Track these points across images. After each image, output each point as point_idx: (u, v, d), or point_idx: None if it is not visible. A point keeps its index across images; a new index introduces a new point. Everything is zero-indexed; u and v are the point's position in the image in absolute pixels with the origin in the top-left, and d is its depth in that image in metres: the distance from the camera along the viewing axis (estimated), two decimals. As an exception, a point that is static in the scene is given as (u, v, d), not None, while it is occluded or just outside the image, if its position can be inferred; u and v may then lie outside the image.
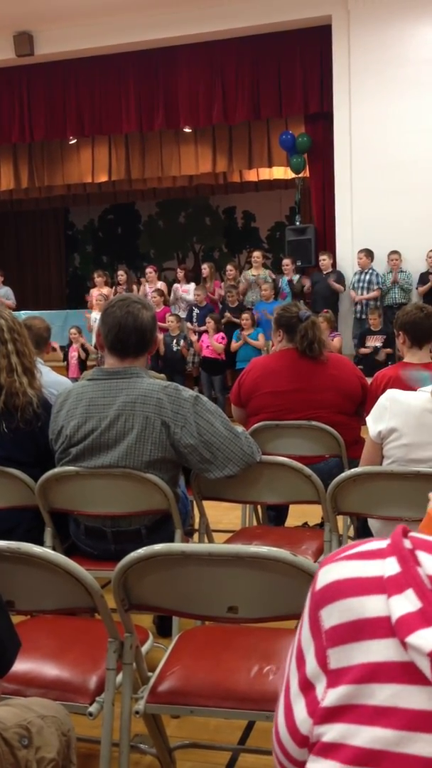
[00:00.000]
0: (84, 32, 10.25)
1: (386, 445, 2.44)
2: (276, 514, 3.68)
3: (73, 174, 12.89)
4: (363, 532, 2.72)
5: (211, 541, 2.83)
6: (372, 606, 0.70)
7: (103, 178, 12.79)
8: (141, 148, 12.23)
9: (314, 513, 3.34)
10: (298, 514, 3.91)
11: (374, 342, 8.74)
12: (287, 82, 10.07)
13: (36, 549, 1.56)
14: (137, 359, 2.51)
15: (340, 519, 2.73)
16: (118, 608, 1.65)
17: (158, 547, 1.56)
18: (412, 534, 0.76)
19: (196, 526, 2.90)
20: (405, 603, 0.68)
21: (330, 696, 0.70)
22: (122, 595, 1.62)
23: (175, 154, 12.21)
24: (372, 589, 0.71)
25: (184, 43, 10.21)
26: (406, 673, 0.67)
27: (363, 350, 8.77)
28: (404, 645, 0.67)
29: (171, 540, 2.52)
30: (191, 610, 1.62)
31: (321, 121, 10.10)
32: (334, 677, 0.70)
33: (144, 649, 1.92)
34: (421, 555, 0.72)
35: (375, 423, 2.47)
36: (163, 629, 2.83)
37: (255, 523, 3.69)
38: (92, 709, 1.67)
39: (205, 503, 2.80)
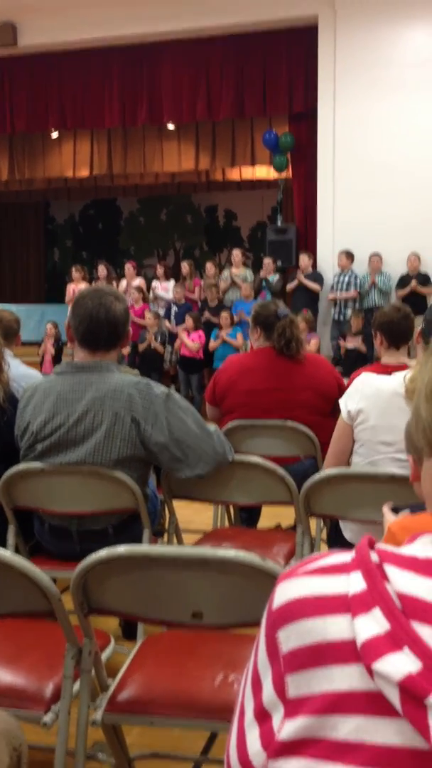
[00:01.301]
0: (69, 24, 10.11)
1: (356, 428, 2.40)
2: (248, 516, 3.61)
3: (55, 168, 12.74)
4: (335, 535, 2.66)
5: (180, 541, 2.75)
6: (335, 627, 0.63)
7: (85, 173, 12.66)
8: (123, 144, 12.11)
9: (287, 514, 3.28)
10: (271, 516, 3.85)
11: (353, 343, 8.71)
12: (272, 81, 10.01)
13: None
14: (108, 353, 2.43)
15: (313, 521, 2.66)
16: (77, 612, 1.57)
17: (121, 549, 1.48)
18: (380, 546, 0.68)
19: (167, 526, 2.82)
20: (371, 624, 0.61)
21: (287, 728, 0.63)
22: (81, 598, 1.54)
23: (158, 150, 12.11)
24: (335, 608, 0.64)
25: (169, 38, 10.11)
26: (372, 703, 0.59)
27: (343, 344, 8.73)
28: (370, 672, 0.59)
29: (139, 540, 2.44)
30: (154, 615, 1.54)
31: (305, 120, 10.06)
32: (293, 707, 0.63)
33: (105, 654, 1.84)
34: (390, 569, 0.64)
35: (346, 403, 2.44)
36: (130, 632, 2.75)
37: (227, 523, 3.61)
38: (47, 718, 1.58)
39: (177, 503, 2.73)
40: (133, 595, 1.53)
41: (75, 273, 10.79)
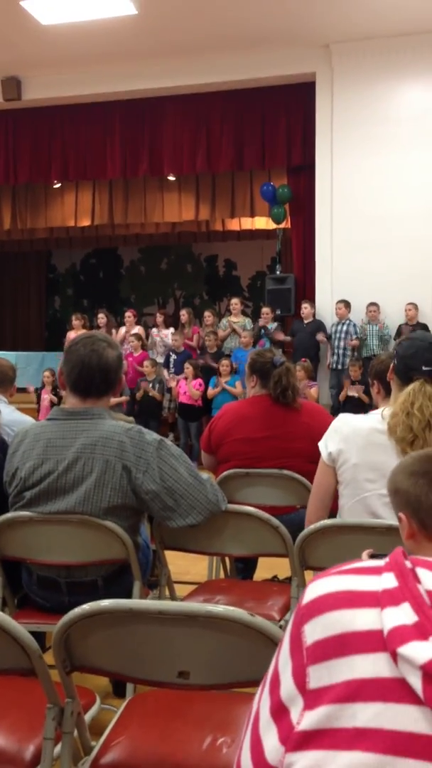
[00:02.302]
0: (72, 80, 10.36)
1: (339, 469, 2.35)
2: (244, 566, 3.53)
3: (56, 217, 12.91)
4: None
5: (172, 593, 2.68)
6: (362, 619, 0.64)
7: (86, 222, 12.82)
8: (125, 194, 12.29)
9: (285, 565, 3.20)
10: (268, 566, 3.77)
11: (353, 392, 8.68)
12: (271, 135, 10.20)
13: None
14: (100, 399, 2.38)
15: (310, 573, 2.59)
16: (59, 670, 1.50)
17: (104, 603, 1.42)
18: (413, 556, 0.70)
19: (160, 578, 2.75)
20: (400, 615, 0.62)
21: (307, 719, 0.62)
22: (63, 655, 1.47)
23: (159, 200, 12.29)
24: (365, 602, 0.65)
25: (170, 93, 10.34)
26: (394, 690, 0.60)
27: (348, 386, 8.71)
28: (395, 657, 0.60)
29: (130, 592, 2.37)
30: (138, 674, 1.47)
31: (303, 173, 10.22)
32: (313, 698, 0.63)
33: (90, 714, 1.75)
34: (421, 572, 0.66)
35: (326, 444, 2.39)
36: (120, 689, 2.65)
37: (222, 574, 3.53)
38: (26, 783, 1.50)
39: (172, 553, 2.66)
40: (117, 652, 1.46)
41: (75, 321, 10.83)
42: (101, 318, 10.97)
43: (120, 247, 16.36)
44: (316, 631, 0.65)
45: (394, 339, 9.09)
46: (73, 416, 2.34)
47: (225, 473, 3.19)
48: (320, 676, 0.63)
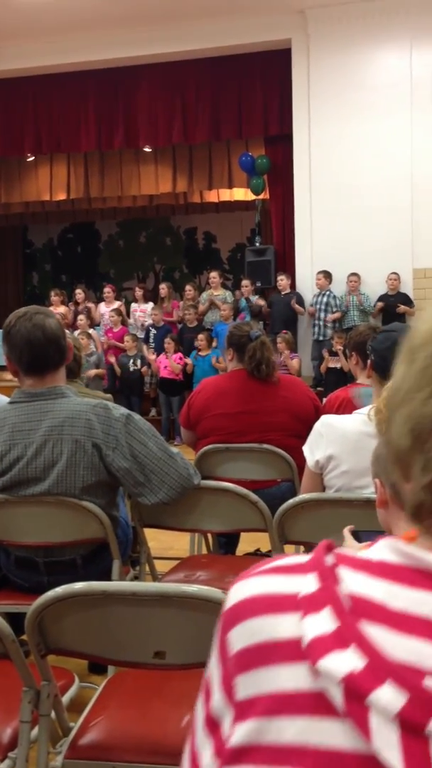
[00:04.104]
0: (44, 49, 10.13)
1: (327, 475, 2.30)
2: (227, 541, 3.52)
3: (31, 192, 12.70)
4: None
5: (153, 571, 2.67)
6: (285, 626, 0.60)
7: (62, 197, 12.63)
8: (100, 167, 12.11)
9: (268, 539, 3.21)
10: (251, 540, 3.77)
11: (334, 363, 8.68)
12: (247, 104, 10.06)
13: None
14: (57, 372, 2.31)
15: (290, 547, 2.59)
16: (33, 653, 1.48)
17: (78, 585, 1.39)
18: (339, 550, 0.66)
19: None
20: (320, 623, 0.59)
21: (237, 733, 0.59)
22: (37, 638, 1.45)
23: (135, 173, 12.12)
24: (287, 606, 0.61)
25: (144, 62, 10.16)
26: (318, 704, 0.57)
27: (328, 358, 8.71)
28: (315, 670, 0.57)
29: (109, 571, 2.35)
30: (114, 655, 1.46)
31: (281, 143, 10.11)
32: (242, 709, 0.60)
33: (69, 695, 1.74)
34: (343, 571, 0.63)
35: (312, 452, 2.32)
36: (98, 667, 2.64)
37: (205, 549, 3.53)
38: (3, 766, 1.49)
39: (155, 528, 2.64)
40: (92, 634, 1.44)
41: (54, 297, 10.72)
42: (79, 293, 10.87)
43: (97, 221, 16.14)
44: (240, 638, 0.62)
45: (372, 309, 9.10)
46: (36, 398, 2.27)
47: (204, 448, 3.17)
48: (247, 686, 0.60)
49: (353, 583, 0.61)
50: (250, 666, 0.60)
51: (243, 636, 0.62)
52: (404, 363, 0.67)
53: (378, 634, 0.57)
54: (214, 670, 0.65)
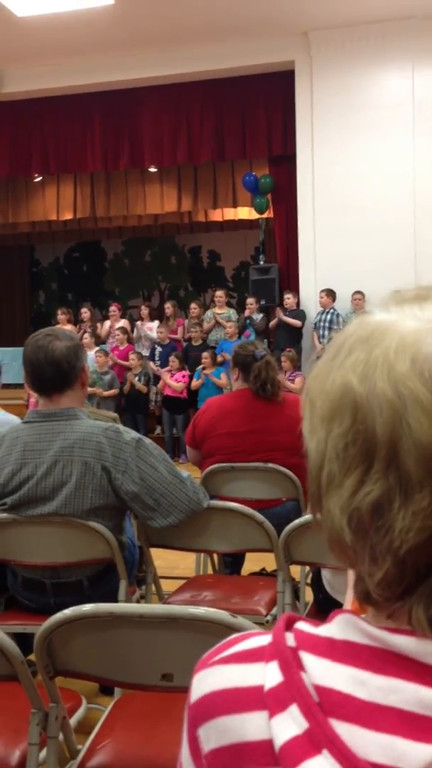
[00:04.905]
0: (50, 72, 10.25)
1: None
2: (232, 560, 3.53)
3: (38, 211, 12.81)
4: (319, 580, 2.58)
5: (159, 591, 2.67)
6: (252, 726, 0.57)
7: (68, 216, 12.73)
8: (106, 187, 12.21)
9: (273, 558, 3.21)
10: (256, 559, 3.77)
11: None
12: (251, 125, 10.15)
13: None
14: (64, 395, 2.33)
15: (296, 568, 2.60)
16: (42, 675, 1.49)
17: (86, 607, 1.41)
18: (299, 625, 0.62)
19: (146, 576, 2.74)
20: (289, 724, 0.55)
21: None
22: (46, 661, 1.46)
23: (141, 193, 12.21)
24: (251, 703, 0.58)
25: (149, 84, 10.26)
26: None
27: None
28: None
29: (116, 592, 2.36)
30: (122, 677, 1.46)
31: (284, 163, 10.18)
32: None
33: (76, 717, 1.75)
34: (306, 657, 0.58)
35: None
36: (107, 688, 2.64)
37: (210, 569, 3.53)
38: (11, 789, 1.49)
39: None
40: (100, 656, 1.45)
41: (60, 315, 10.78)
42: (84, 312, 10.92)
43: (103, 240, 16.25)
44: (210, 738, 0.59)
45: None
46: (48, 418, 2.30)
47: (210, 468, 3.18)
48: None
49: (317, 671, 0.58)
50: None
51: (212, 736, 0.59)
52: (320, 428, 0.60)
53: (349, 733, 0.54)
54: (187, 763, 0.62)
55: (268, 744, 0.56)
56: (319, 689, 0.56)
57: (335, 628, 0.60)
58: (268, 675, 0.58)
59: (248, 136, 10.18)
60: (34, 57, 10.02)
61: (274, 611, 2.42)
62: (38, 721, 1.51)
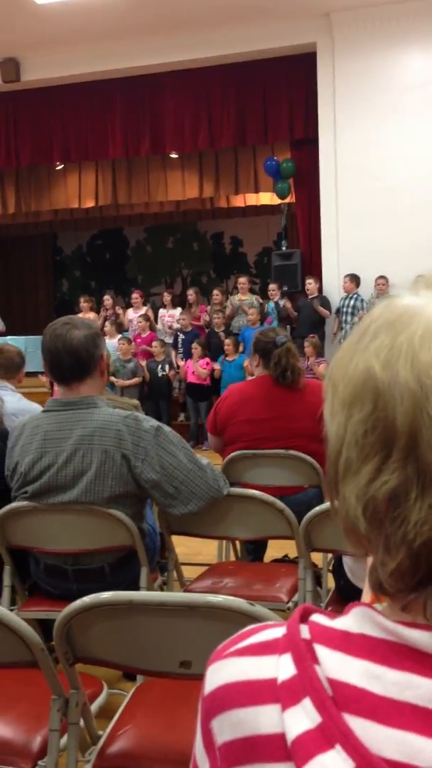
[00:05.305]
0: (70, 59, 10.24)
1: None
2: (254, 547, 3.53)
3: (60, 199, 12.84)
4: (341, 567, 2.57)
5: (180, 577, 2.68)
6: (266, 719, 0.57)
7: (90, 204, 12.74)
8: (128, 174, 12.20)
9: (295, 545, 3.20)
10: (279, 545, 3.76)
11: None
12: (272, 109, 10.06)
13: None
14: (83, 383, 2.32)
15: (318, 555, 2.58)
16: (62, 662, 1.50)
17: (105, 595, 1.41)
18: (314, 617, 0.61)
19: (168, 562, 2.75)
20: (302, 718, 0.55)
21: None
22: (65, 647, 1.47)
23: (162, 179, 12.18)
24: (265, 696, 0.57)
25: (169, 69, 10.21)
26: None
27: None
28: None
29: (137, 578, 2.37)
30: (140, 664, 1.47)
31: (306, 147, 10.08)
32: None
33: (98, 702, 1.76)
34: (320, 650, 0.58)
35: None
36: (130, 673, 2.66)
37: (232, 555, 3.53)
38: (33, 774, 1.51)
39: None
40: (119, 643, 1.46)
41: (83, 303, 10.81)
42: (107, 300, 10.95)
43: (125, 227, 16.28)
44: (224, 730, 0.59)
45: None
46: (67, 407, 2.31)
47: (231, 455, 3.18)
48: None
49: (331, 665, 0.57)
50: (236, 762, 0.57)
51: (226, 728, 0.58)
52: (341, 413, 0.59)
53: (363, 728, 0.53)
54: (201, 760, 0.62)
55: (281, 737, 0.55)
56: (333, 683, 0.56)
57: (351, 621, 0.59)
58: (282, 667, 0.58)
59: (269, 121, 10.10)
60: (54, 44, 10.01)
61: (295, 598, 2.41)
62: (59, 708, 1.52)
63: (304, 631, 0.60)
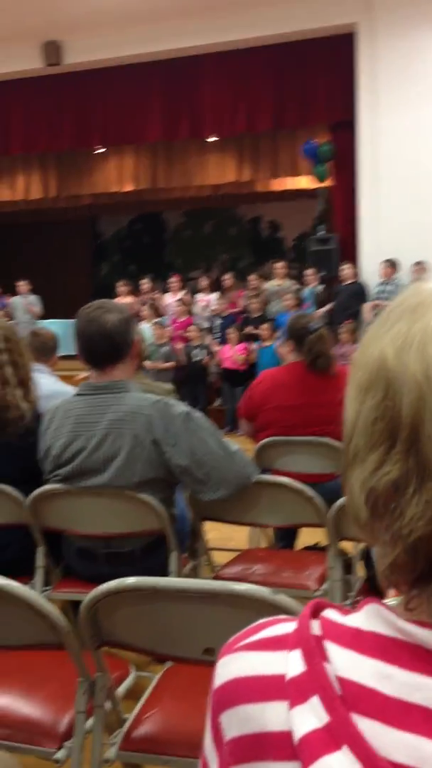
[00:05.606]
0: (110, 42, 10.22)
1: None
2: (285, 534, 3.52)
3: (100, 183, 12.87)
4: (368, 558, 2.56)
5: (211, 563, 2.69)
6: (273, 716, 0.56)
7: (130, 187, 12.75)
8: (166, 157, 12.18)
9: (327, 533, 3.18)
10: (311, 532, 3.75)
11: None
12: (312, 91, 9.92)
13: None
14: (116, 367, 2.34)
15: (348, 544, 2.56)
16: (89, 645, 1.52)
17: (129, 580, 1.42)
18: (326, 613, 0.60)
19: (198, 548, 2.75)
20: (309, 716, 0.53)
21: None
22: (91, 630, 1.48)
23: (201, 163, 12.13)
24: (273, 692, 0.56)
25: (208, 51, 10.14)
26: None
27: None
28: None
29: (167, 562, 2.38)
30: (165, 650, 1.48)
31: (346, 130, 9.94)
32: None
33: (125, 685, 1.78)
34: (330, 647, 0.56)
35: None
36: (159, 656, 2.68)
37: (263, 541, 3.53)
38: (59, 755, 1.53)
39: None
40: (144, 628, 1.47)
41: (121, 287, 10.85)
42: (144, 284, 10.98)
43: (164, 211, 16.28)
44: (232, 726, 0.58)
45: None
46: (99, 391, 2.32)
47: (263, 441, 3.17)
48: None
49: (341, 663, 0.55)
50: (243, 759, 0.57)
51: (234, 724, 0.58)
52: (356, 398, 0.59)
53: (371, 730, 0.52)
54: (210, 754, 0.61)
55: (288, 736, 0.54)
56: (342, 681, 0.55)
57: (363, 618, 0.58)
58: (291, 663, 0.57)
59: (308, 103, 9.97)
60: (94, 27, 10.01)
61: (324, 586, 2.41)
62: (85, 690, 1.54)
63: (315, 627, 0.59)
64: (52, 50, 10.63)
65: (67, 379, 4.10)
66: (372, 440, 0.56)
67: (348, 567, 2.58)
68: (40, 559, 2.50)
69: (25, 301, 11.21)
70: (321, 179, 10.44)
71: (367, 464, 0.56)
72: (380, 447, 0.56)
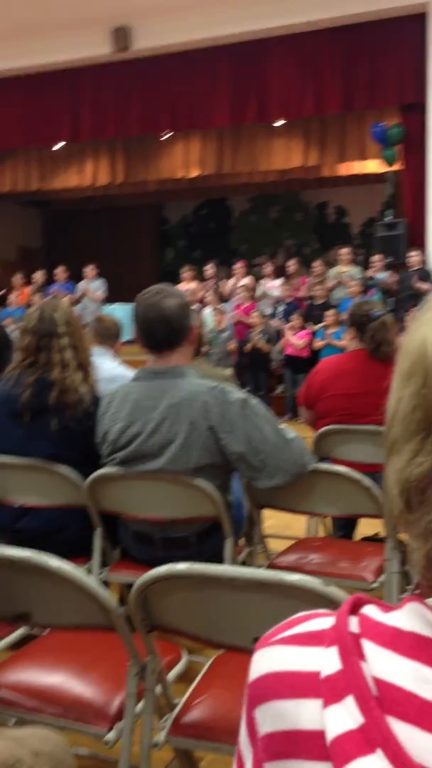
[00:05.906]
0: (178, 26, 10.20)
1: None
2: (344, 523, 3.48)
3: (166, 169, 12.90)
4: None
5: (266, 551, 2.67)
6: (307, 714, 0.54)
7: (196, 173, 12.74)
8: (233, 142, 12.10)
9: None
10: (371, 523, 3.69)
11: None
12: (380, 73, 9.69)
13: (46, 560, 1.45)
14: (174, 352, 2.34)
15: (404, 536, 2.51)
16: (140, 629, 1.52)
17: (179, 566, 1.42)
18: (366, 610, 0.58)
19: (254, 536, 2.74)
20: (343, 716, 0.52)
21: None
22: (142, 614, 1.49)
23: (266, 147, 12.01)
24: (308, 689, 0.55)
25: (275, 35, 10.01)
26: None
27: None
28: None
29: (222, 549, 2.38)
30: (214, 637, 1.47)
31: (416, 112, 9.69)
32: None
33: (176, 670, 1.78)
34: (368, 646, 0.54)
35: None
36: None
37: (321, 530, 3.50)
38: (110, 736, 1.54)
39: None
40: (193, 614, 1.47)
41: (186, 273, 10.88)
42: (209, 270, 10.98)
43: (230, 197, 16.22)
44: (266, 721, 0.57)
45: None
46: (156, 376, 2.33)
47: (323, 429, 3.13)
48: None
49: (379, 663, 0.53)
50: (277, 756, 0.56)
51: (268, 719, 0.57)
52: (398, 386, 0.57)
53: (407, 734, 0.50)
54: (245, 748, 0.60)
55: (321, 735, 0.53)
56: (378, 683, 0.53)
57: (404, 617, 0.56)
58: (326, 661, 0.55)
59: (377, 85, 9.75)
60: (163, 12, 10.01)
61: (381, 578, 2.36)
62: (135, 672, 1.54)
63: (353, 624, 0.57)
64: (121, 36, 10.67)
65: (134, 364, 4.13)
66: (410, 429, 0.54)
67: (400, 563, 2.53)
68: (98, 540, 2.53)
69: (88, 286, 11.36)
70: (390, 163, 10.22)
71: (404, 454, 0.54)
72: (417, 436, 0.53)
